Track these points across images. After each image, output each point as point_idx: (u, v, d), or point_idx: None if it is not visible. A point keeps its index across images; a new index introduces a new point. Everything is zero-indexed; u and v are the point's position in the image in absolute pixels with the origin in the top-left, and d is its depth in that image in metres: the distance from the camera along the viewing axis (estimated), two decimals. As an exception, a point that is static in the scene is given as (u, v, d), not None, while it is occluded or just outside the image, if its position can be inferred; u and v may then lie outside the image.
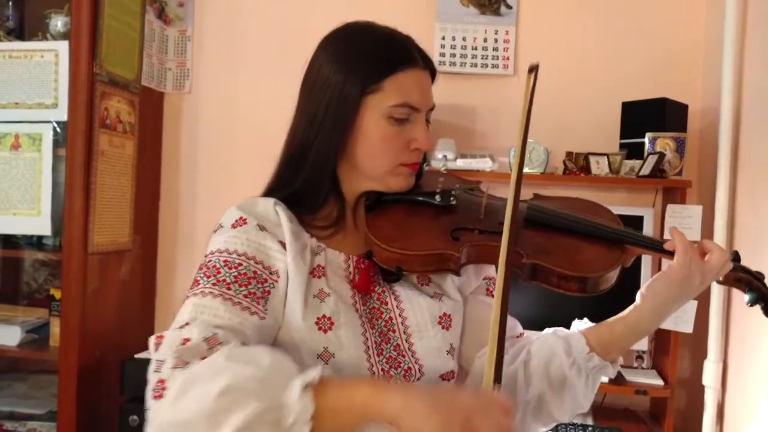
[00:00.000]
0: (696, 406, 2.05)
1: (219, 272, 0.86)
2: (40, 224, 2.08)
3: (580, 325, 1.01)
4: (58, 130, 2.08)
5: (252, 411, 0.68)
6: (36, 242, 2.22)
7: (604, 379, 1.94)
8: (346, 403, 0.72)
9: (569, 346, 0.95)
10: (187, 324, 0.81)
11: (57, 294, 2.11)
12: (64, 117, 2.03)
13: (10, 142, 2.09)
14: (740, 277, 0.98)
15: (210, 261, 0.88)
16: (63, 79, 2.04)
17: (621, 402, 2.21)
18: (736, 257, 1.01)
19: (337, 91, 0.92)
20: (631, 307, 0.95)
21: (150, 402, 0.73)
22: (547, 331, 1.02)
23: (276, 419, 0.69)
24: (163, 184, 2.50)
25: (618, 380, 2.00)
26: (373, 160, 0.95)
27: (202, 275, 0.87)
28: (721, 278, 0.98)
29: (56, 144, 2.08)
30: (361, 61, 0.93)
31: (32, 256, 2.35)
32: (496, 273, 0.86)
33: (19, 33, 2.28)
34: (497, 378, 0.77)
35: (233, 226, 0.91)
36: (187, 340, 0.77)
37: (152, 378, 0.74)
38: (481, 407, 0.71)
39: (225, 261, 0.87)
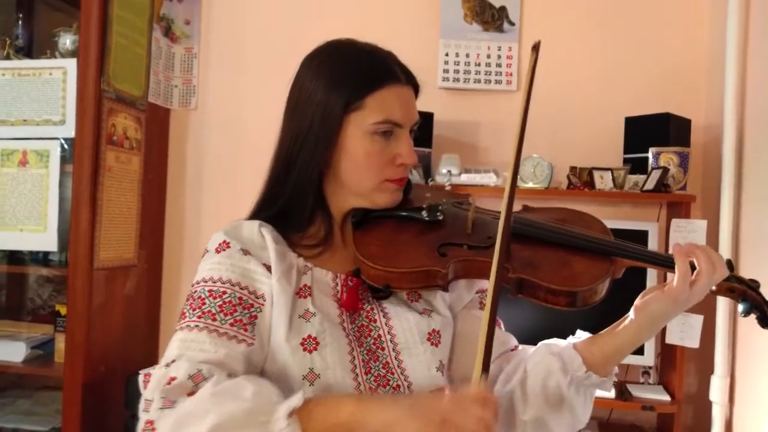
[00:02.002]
0: (703, 422, 2.03)
1: (204, 303, 0.86)
2: (46, 240, 2.09)
3: (573, 338, 1.00)
4: (65, 146, 2.10)
5: None
6: (42, 258, 2.23)
7: (611, 394, 1.95)
8: (331, 423, 0.75)
9: (564, 363, 0.94)
10: (173, 361, 0.82)
11: (62, 310, 2.11)
12: (72, 134, 2.05)
13: (18, 158, 2.11)
14: (733, 287, 0.95)
15: (195, 292, 0.89)
16: (71, 96, 2.06)
17: (627, 418, 2.19)
18: (729, 266, 0.99)
19: (320, 109, 0.93)
20: (626, 322, 0.93)
21: None
22: (541, 345, 1.00)
23: None
24: (168, 200, 2.52)
25: (624, 396, 1.98)
26: (359, 176, 0.95)
27: (188, 307, 0.88)
28: (714, 288, 0.95)
29: (63, 160, 2.10)
30: (343, 79, 0.93)
31: (37, 272, 2.36)
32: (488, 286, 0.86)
33: (28, 51, 2.31)
34: (485, 368, 0.78)
35: (217, 251, 0.92)
36: (173, 378, 0.78)
37: (141, 417, 0.76)
38: (458, 405, 0.73)
39: (210, 291, 0.88)
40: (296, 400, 0.74)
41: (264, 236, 0.93)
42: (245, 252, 0.91)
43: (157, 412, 0.75)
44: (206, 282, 0.89)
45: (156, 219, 2.46)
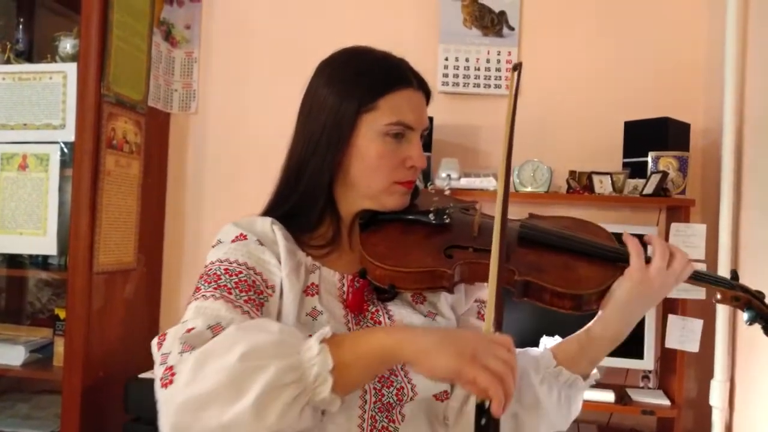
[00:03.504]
0: (703, 426, 2.03)
1: (220, 279, 0.86)
2: (46, 244, 2.09)
3: (550, 341, 1.01)
4: (65, 150, 2.11)
5: (274, 372, 0.68)
6: (41, 262, 2.23)
7: (609, 398, 1.95)
8: (362, 350, 0.73)
9: (537, 362, 0.95)
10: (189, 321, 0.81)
11: (61, 313, 2.11)
12: (72, 138, 2.06)
13: (18, 162, 2.11)
14: (738, 296, 0.98)
15: (210, 269, 0.89)
16: (71, 100, 2.07)
17: (627, 422, 2.19)
18: (734, 276, 1.00)
19: (333, 112, 0.94)
20: (596, 317, 0.95)
21: (159, 393, 0.71)
22: (519, 351, 1.01)
23: (298, 377, 0.69)
24: (168, 204, 2.52)
25: (624, 400, 1.98)
26: (369, 178, 0.96)
27: (203, 282, 0.88)
28: (719, 297, 0.98)
29: (63, 164, 2.10)
30: (357, 82, 0.95)
31: (37, 276, 2.36)
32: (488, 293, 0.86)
33: (29, 55, 2.31)
34: (498, 323, 0.78)
35: (233, 242, 0.92)
36: (192, 329, 0.77)
37: (158, 370, 0.73)
38: (485, 344, 0.73)
39: (226, 269, 0.88)
40: (326, 330, 0.73)
41: (275, 233, 0.94)
42: (261, 243, 0.92)
43: (177, 356, 0.72)
44: (222, 262, 0.89)
45: (155, 223, 2.46)
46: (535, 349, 1.01)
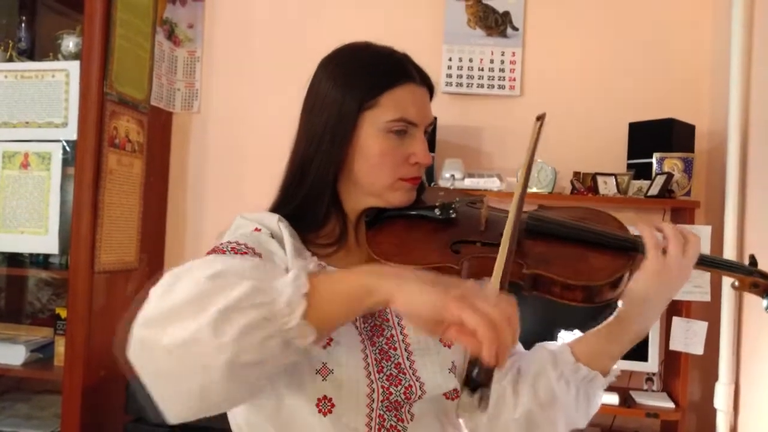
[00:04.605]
0: (708, 429, 2.01)
1: (225, 254, 0.85)
2: (47, 243, 2.08)
3: (569, 336, 0.99)
4: (67, 149, 2.10)
5: (241, 291, 0.65)
6: (42, 261, 2.22)
7: (613, 401, 1.94)
8: (342, 285, 0.70)
9: (555, 358, 0.94)
10: None
11: (62, 313, 2.10)
12: (74, 136, 2.05)
13: (20, 160, 2.10)
14: (757, 282, 0.95)
15: (217, 248, 0.87)
16: (73, 98, 2.06)
17: (631, 425, 2.18)
18: (753, 262, 0.97)
19: (336, 108, 0.93)
20: (616, 312, 0.93)
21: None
22: (537, 345, 1.00)
23: (267, 301, 0.66)
24: (170, 204, 2.51)
25: (628, 403, 1.97)
26: (373, 175, 0.95)
27: (206, 256, 0.85)
28: (737, 284, 0.96)
29: (65, 163, 2.09)
30: (358, 77, 0.94)
31: (37, 275, 2.35)
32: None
33: (31, 54, 2.31)
34: (503, 285, 0.75)
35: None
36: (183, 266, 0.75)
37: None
38: (480, 290, 0.68)
39: (233, 248, 0.86)
40: (309, 265, 0.72)
41: (282, 230, 0.93)
42: (272, 236, 0.91)
43: (159, 284, 0.70)
44: (230, 243, 0.87)
45: (157, 222, 2.46)
46: (552, 343, 1.00)
